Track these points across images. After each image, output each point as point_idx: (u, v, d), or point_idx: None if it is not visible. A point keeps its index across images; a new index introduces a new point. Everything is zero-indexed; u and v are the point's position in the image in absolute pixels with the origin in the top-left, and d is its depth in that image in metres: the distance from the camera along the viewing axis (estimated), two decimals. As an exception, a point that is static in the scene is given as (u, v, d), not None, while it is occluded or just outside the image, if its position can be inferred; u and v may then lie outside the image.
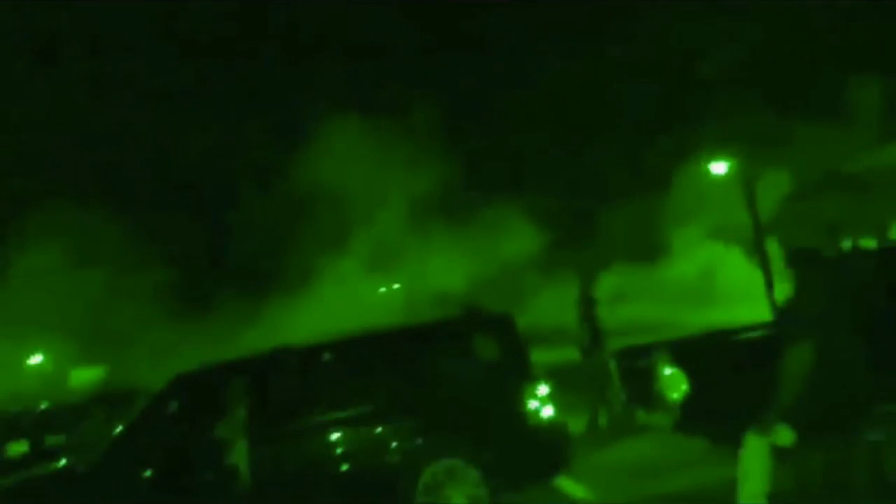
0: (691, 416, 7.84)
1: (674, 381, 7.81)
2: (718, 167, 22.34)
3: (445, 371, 7.97)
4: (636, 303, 22.84)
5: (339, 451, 7.60)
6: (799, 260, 5.34)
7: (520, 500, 7.92)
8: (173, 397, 7.89)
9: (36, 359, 27.55)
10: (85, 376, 28.94)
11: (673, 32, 28.68)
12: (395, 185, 27.96)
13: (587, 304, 11.69)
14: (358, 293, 28.05)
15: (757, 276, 18.80)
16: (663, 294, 22.59)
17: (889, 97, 27.47)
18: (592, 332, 11.42)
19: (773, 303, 18.82)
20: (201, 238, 29.55)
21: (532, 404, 7.73)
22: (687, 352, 8.13)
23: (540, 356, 8.74)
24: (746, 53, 26.92)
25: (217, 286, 26.49)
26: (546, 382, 7.88)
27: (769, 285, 18.64)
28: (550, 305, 24.93)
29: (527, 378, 7.85)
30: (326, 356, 8.10)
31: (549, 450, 7.75)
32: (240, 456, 7.29)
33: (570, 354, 12.02)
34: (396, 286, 28.89)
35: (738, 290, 20.08)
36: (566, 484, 8.58)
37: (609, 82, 32.18)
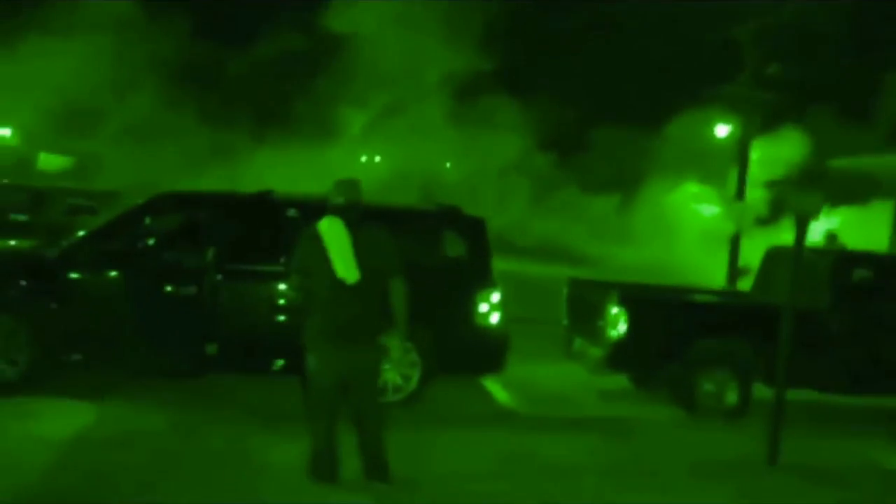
0: (621, 355, 8.40)
1: (615, 321, 8.31)
2: (722, 129, 22.64)
3: (409, 257, 8.30)
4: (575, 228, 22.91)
5: (268, 297, 7.72)
6: None
7: (446, 391, 8.47)
8: (149, 213, 8.21)
9: (4, 131, 26.95)
10: (54, 163, 28.70)
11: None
12: (428, 61, 27.03)
13: None
14: (350, 158, 27.88)
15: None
16: (612, 228, 22.63)
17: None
18: None
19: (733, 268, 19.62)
20: (214, 57, 28.65)
21: (483, 307, 8.17)
22: (634, 297, 8.60)
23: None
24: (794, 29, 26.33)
25: (217, 104, 25.72)
26: (500, 291, 8.27)
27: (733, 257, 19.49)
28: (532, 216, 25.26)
29: (485, 283, 8.26)
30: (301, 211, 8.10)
31: (486, 352, 8.25)
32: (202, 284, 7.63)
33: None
34: (377, 158, 28.67)
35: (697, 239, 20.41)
36: (494, 388, 9.18)
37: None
